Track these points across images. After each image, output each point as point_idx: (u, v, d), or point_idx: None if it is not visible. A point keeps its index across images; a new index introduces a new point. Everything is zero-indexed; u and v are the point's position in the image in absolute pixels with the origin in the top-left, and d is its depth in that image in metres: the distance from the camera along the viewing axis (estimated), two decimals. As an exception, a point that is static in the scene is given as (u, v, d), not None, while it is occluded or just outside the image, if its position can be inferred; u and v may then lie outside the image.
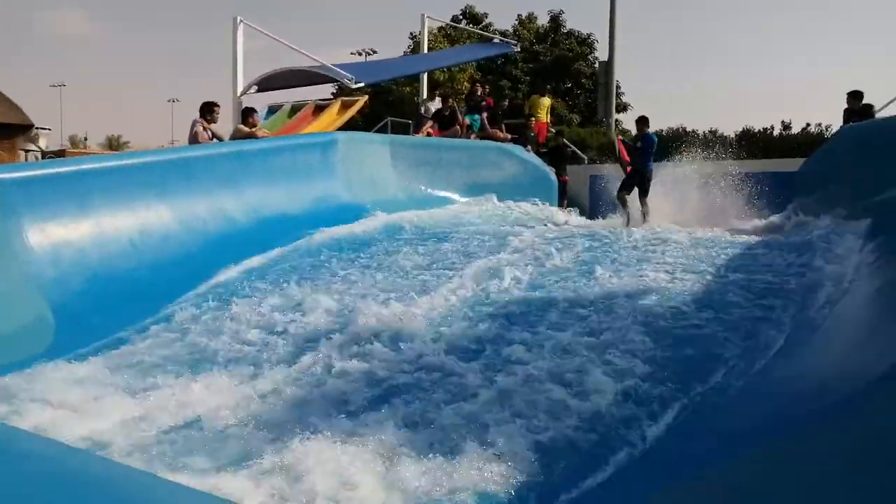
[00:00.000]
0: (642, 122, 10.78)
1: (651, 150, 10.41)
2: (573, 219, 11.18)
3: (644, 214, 10.27)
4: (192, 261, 6.33)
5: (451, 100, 13.37)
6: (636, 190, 10.49)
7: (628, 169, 10.88)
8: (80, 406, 3.69)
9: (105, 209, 5.90)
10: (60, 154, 32.98)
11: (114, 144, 61.47)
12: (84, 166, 5.96)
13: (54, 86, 62.09)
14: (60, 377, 4.12)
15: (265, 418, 3.50)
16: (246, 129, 9.03)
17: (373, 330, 4.65)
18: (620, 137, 12.85)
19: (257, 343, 4.61)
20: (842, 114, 10.99)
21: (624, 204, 10.56)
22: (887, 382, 2.39)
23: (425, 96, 15.97)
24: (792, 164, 11.07)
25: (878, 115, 10.87)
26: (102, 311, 5.27)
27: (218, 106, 8.81)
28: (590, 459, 3.00)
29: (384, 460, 3.00)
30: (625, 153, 11.14)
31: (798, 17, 77.61)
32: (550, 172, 12.72)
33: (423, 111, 13.46)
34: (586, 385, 3.64)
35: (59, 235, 5.46)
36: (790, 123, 18.65)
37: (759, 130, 17.22)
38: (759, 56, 79.68)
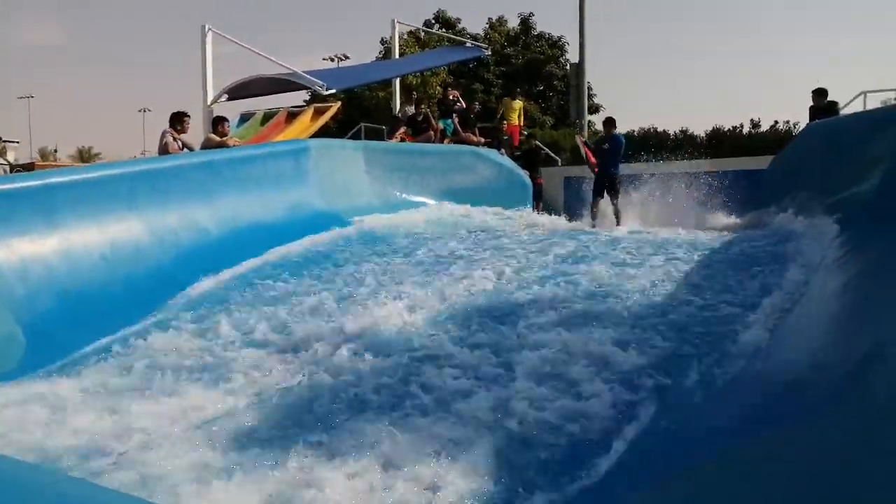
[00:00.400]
0: (609, 123, 10.73)
1: (620, 151, 10.39)
2: (548, 221, 11.21)
3: (616, 216, 10.26)
4: (164, 273, 6.26)
5: (423, 104, 13.38)
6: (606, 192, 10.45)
7: (595, 170, 10.87)
8: (50, 424, 3.63)
9: (74, 223, 5.82)
10: (30, 167, 32.39)
11: (85, 156, 60.56)
12: (51, 180, 5.86)
13: (22, 98, 60.94)
14: (30, 395, 4.05)
15: (241, 433, 3.46)
16: (217, 138, 8.98)
17: (350, 339, 4.64)
18: (583, 140, 12.79)
19: (233, 356, 4.56)
20: (808, 111, 11.20)
21: (595, 212, 10.45)
22: (856, 377, 2.44)
23: (398, 101, 15.98)
24: (761, 162, 11.25)
25: (843, 112, 11.10)
26: (73, 327, 5.19)
27: (188, 116, 8.74)
28: (571, 462, 3.02)
29: (363, 475, 2.99)
30: (591, 156, 11.13)
31: (767, 15, 78.94)
32: (525, 175, 12.80)
33: (401, 115, 13.47)
34: (564, 388, 3.66)
35: (27, 251, 5.36)
36: (759, 122, 19.01)
37: (729, 129, 17.50)
38: (729, 55, 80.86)
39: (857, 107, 12.78)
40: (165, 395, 3.96)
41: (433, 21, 33.19)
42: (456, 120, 13.49)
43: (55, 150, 63.54)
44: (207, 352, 4.67)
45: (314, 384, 4.03)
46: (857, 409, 2.28)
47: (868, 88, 13.27)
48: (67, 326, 5.17)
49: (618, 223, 10.08)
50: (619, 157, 10.41)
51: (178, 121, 8.62)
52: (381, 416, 3.56)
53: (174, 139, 8.50)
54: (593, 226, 10.20)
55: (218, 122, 9.29)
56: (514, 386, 3.75)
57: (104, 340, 5.10)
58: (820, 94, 11.01)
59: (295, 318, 5.21)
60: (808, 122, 11.02)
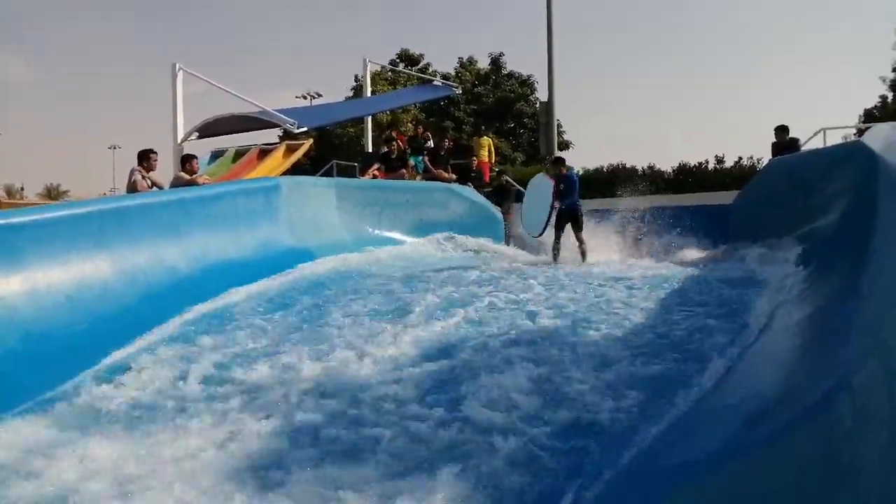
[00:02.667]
0: (559, 163, 10.81)
1: (576, 187, 10.39)
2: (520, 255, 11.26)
3: (582, 252, 10.13)
4: (131, 313, 6.15)
5: (395, 142, 13.50)
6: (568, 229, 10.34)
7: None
8: (10, 469, 3.52)
9: (38, 263, 5.70)
10: (-6, 205, 31.83)
11: (52, 194, 59.78)
12: (14, 219, 5.76)
13: (-13, 135, 60.09)
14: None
15: (206, 476, 3.38)
16: (186, 176, 8.92)
17: (319, 380, 4.59)
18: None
19: (198, 398, 4.48)
20: (770, 147, 11.50)
21: (557, 251, 10.45)
22: (822, 406, 2.47)
23: (370, 138, 16.10)
24: (726, 197, 11.47)
25: (804, 148, 11.41)
26: (36, 370, 5.06)
27: (155, 153, 8.69)
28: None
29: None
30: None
31: (732, 53, 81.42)
32: (496, 211, 12.91)
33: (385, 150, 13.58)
34: (517, 424, 3.66)
35: (-11, 292, 5.25)
36: (723, 157, 19.37)
37: (695, 165, 17.81)
38: (696, 93, 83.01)
39: (817, 143, 13.16)
40: (129, 439, 3.87)
41: (398, 59, 33.66)
42: (426, 157, 13.61)
43: (22, 188, 62.62)
44: (172, 394, 4.58)
45: (279, 428, 3.94)
46: (822, 433, 2.31)
47: (828, 125, 13.70)
48: (30, 368, 5.04)
49: (583, 259, 9.99)
50: (575, 192, 10.40)
51: (146, 158, 8.57)
52: (342, 461, 3.50)
53: (143, 177, 8.44)
54: (555, 262, 10.15)
55: (187, 160, 9.23)
56: (468, 428, 3.71)
57: (69, 383, 4.98)
58: (782, 130, 11.33)
59: (259, 360, 5.10)
60: (770, 158, 11.30)
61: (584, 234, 10.28)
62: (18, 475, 3.46)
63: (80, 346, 5.50)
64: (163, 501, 3.15)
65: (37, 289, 5.60)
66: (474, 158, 14.35)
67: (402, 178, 12.62)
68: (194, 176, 9.00)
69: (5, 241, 5.52)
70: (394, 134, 14.69)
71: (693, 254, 10.12)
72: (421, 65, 33.41)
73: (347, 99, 29.34)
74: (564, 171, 10.68)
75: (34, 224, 5.86)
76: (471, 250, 11.19)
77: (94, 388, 4.82)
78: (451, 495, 3.05)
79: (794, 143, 11.25)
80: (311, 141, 15.11)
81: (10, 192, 58.83)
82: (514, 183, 15.57)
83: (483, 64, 34.81)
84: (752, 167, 16.39)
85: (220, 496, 3.15)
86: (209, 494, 3.19)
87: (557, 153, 15.70)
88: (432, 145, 14.53)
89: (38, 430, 4.13)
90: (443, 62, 45.96)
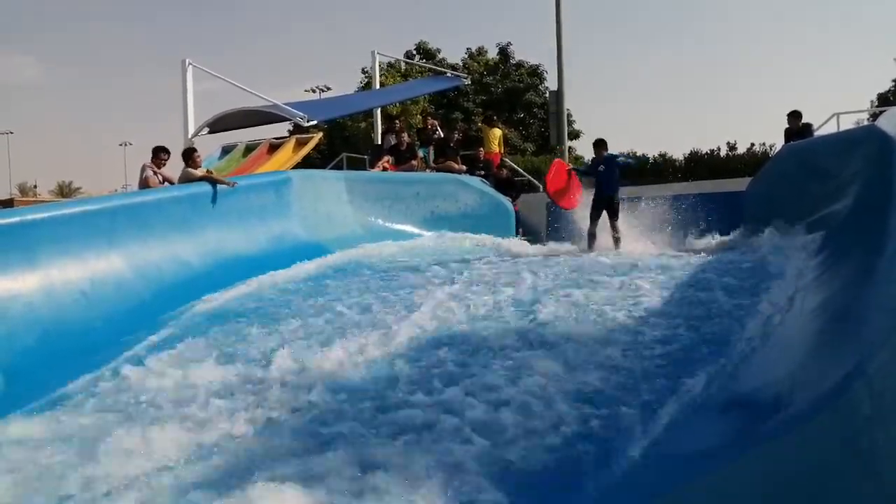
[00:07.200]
0: (601, 145, 10.34)
1: (616, 171, 10.02)
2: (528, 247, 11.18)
3: (616, 240, 9.90)
4: (146, 309, 6.20)
5: (405, 134, 13.46)
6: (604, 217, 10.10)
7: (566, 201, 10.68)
8: (29, 465, 3.56)
9: (54, 260, 5.76)
10: (9, 203, 32.24)
11: (65, 191, 60.21)
12: (29, 216, 5.81)
13: (1, 133, 60.32)
14: (5, 438, 3.97)
15: (217, 470, 3.39)
16: (197, 172, 8.90)
17: (327, 372, 4.60)
18: (571, 167, 12.24)
19: (209, 392, 4.48)
20: (783, 133, 11.39)
21: (592, 237, 10.11)
22: (839, 392, 2.45)
23: (379, 131, 16.08)
24: (739, 184, 11.36)
25: (817, 134, 11.30)
26: (53, 365, 5.11)
27: (168, 152, 8.73)
28: (551, 490, 3.00)
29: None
30: (549, 183, 11.01)
31: (744, 34, 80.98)
32: (507, 201, 12.85)
33: (385, 144, 13.56)
34: (540, 414, 3.66)
35: (6, 290, 5.31)
36: (735, 144, 19.20)
37: (707, 152, 17.66)
38: (707, 80, 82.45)
39: (830, 128, 13.01)
40: (144, 433, 3.88)
41: (414, 52, 33.53)
42: (430, 149, 13.58)
43: (35, 186, 63.17)
44: (187, 387, 4.59)
45: (286, 422, 3.95)
46: (839, 420, 2.30)
47: (841, 110, 13.55)
48: (47, 364, 5.08)
49: (617, 247, 9.79)
50: (615, 177, 10.08)
51: (157, 155, 8.61)
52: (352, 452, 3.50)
53: (155, 173, 8.48)
54: (590, 250, 9.93)
55: (189, 155, 8.90)
56: (479, 415, 3.73)
57: (84, 378, 5.00)
58: (795, 116, 11.21)
59: (269, 354, 5.10)
60: (783, 143, 11.19)
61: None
62: (32, 470, 3.49)
63: (96, 341, 5.55)
64: (175, 497, 3.17)
65: (52, 285, 5.65)
66: (481, 149, 14.29)
67: (412, 169, 12.58)
68: (201, 169, 8.97)
69: (21, 238, 5.58)
70: (397, 123, 14.56)
71: (706, 241, 10.03)
72: (437, 59, 33.24)
73: (357, 91, 29.31)
74: (605, 153, 10.29)
75: (49, 221, 5.91)
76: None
77: (110, 383, 4.85)
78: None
79: (807, 129, 11.14)
80: (320, 134, 15.14)
81: (23, 190, 59.43)
82: (524, 173, 15.53)
83: (492, 54, 34.61)
84: (765, 153, 16.25)
85: (229, 490, 3.16)
86: (222, 487, 3.20)
87: (568, 143, 15.58)
88: (441, 136, 14.49)
89: (54, 425, 4.15)
90: (451, 53, 45.77)
